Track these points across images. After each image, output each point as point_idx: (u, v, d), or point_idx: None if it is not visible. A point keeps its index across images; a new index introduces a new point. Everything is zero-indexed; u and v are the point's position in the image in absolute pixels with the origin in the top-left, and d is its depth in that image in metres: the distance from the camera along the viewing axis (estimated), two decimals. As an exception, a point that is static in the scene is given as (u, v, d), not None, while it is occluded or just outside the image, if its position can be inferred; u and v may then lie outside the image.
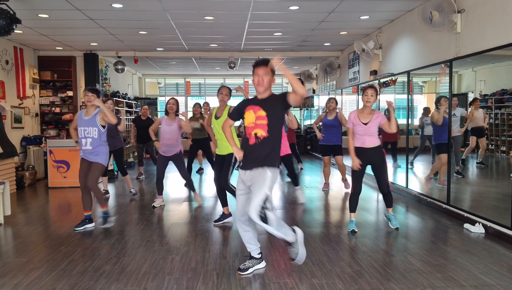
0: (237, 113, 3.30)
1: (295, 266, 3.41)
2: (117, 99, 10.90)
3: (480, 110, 5.58)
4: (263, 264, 3.40)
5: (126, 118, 11.49)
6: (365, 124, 4.26)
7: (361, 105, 8.91)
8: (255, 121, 3.10)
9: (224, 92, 4.55)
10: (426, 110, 6.80)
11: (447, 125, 5.24)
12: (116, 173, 8.68)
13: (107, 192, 6.49)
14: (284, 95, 3.04)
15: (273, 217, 3.00)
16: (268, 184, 3.03)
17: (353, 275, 3.23)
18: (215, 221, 4.77)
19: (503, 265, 3.44)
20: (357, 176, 4.35)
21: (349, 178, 7.06)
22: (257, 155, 3.09)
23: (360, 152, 4.31)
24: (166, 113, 5.51)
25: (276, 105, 3.10)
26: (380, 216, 5.14)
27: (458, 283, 3.08)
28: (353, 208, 4.45)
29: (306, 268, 3.38)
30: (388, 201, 4.50)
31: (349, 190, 6.74)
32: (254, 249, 3.35)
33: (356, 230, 4.38)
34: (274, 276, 3.23)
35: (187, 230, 4.56)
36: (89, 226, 4.64)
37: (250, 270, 3.28)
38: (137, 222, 4.95)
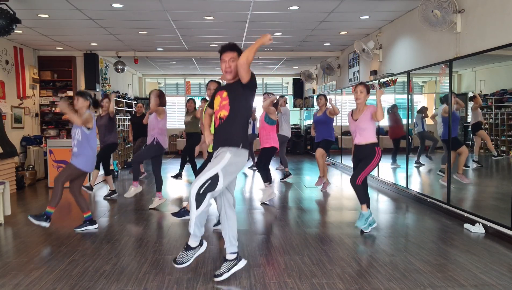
0: (211, 100, 3.29)
1: (295, 266, 3.41)
2: (117, 99, 10.90)
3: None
4: (241, 263, 3.22)
5: (125, 118, 11.50)
6: (355, 120, 4.25)
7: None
8: (220, 103, 3.10)
9: (212, 87, 4.53)
10: (423, 109, 6.84)
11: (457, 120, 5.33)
12: (116, 173, 8.68)
13: (114, 191, 6.42)
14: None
15: (205, 206, 2.90)
16: (223, 164, 2.93)
17: (353, 275, 3.23)
18: (174, 214, 4.80)
19: (503, 265, 3.44)
20: None
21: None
22: (221, 135, 3.07)
23: (355, 149, 4.32)
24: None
25: (237, 85, 3.03)
26: (379, 216, 5.14)
27: (458, 282, 3.08)
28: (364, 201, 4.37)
29: (306, 268, 3.38)
30: (357, 196, 4.35)
31: (322, 189, 6.76)
32: (228, 246, 3.17)
33: (365, 231, 4.34)
34: (274, 276, 3.23)
35: (187, 230, 4.54)
36: (91, 227, 4.57)
37: (224, 276, 3.11)
38: (137, 222, 4.95)
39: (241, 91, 3.02)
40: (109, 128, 6.19)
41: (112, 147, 6.29)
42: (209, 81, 4.64)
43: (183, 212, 4.76)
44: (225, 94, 3.08)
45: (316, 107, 13.02)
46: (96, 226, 4.61)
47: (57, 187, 4.38)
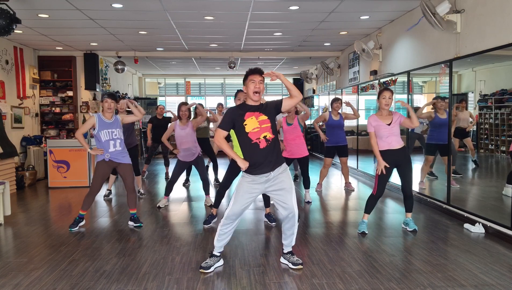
0: (230, 123, 3.22)
1: (295, 266, 3.42)
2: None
3: (467, 112, 5.58)
4: (222, 261, 3.48)
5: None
6: (388, 124, 4.24)
7: (361, 105, 8.97)
8: (260, 125, 3.20)
9: (242, 97, 4.24)
10: (416, 109, 6.81)
11: (438, 127, 5.48)
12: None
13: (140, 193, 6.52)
14: (279, 102, 3.28)
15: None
16: (291, 179, 3.39)
17: (354, 275, 3.23)
18: (205, 223, 4.74)
19: (503, 265, 3.44)
20: (384, 179, 4.27)
21: (353, 181, 7.10)
22: (272, 155, 3.23)
23: (387, 154, 4.25)
24: (179, 118, 5.49)
25: (272, 110, 3.29)
26: (380, 216, 5.14)
27: (458, 282, 3.08)
28: (369, 210, 4.41)
29: (306, 268, 3.38)
30: (409, 205, 4.47)
31: (353, 189, 6.81)
32: (219, 247, 3.42)
33: (367, 232, 4.34)
34: (274, 276, 3.23)
35: (187, 230, 4.57)
36: (81, 223, 4.72)
37: (212, 268, 3.35)
38: (137, 222, 4.95)
39: (275, 116, 3.33)
40: (132, 130, 6.33)
41: (136, 148, 6.50)
42: (238, 91, 4.38)
43: (210, 218, 4.79)
44: (264, 117, 3.23)
45: (315, 107, 13.10)
46: (84, 222, 4.76)
47: (134, 192, 4.75)
